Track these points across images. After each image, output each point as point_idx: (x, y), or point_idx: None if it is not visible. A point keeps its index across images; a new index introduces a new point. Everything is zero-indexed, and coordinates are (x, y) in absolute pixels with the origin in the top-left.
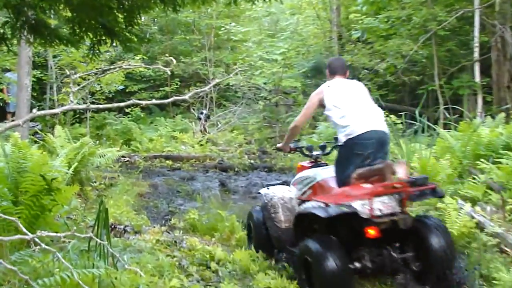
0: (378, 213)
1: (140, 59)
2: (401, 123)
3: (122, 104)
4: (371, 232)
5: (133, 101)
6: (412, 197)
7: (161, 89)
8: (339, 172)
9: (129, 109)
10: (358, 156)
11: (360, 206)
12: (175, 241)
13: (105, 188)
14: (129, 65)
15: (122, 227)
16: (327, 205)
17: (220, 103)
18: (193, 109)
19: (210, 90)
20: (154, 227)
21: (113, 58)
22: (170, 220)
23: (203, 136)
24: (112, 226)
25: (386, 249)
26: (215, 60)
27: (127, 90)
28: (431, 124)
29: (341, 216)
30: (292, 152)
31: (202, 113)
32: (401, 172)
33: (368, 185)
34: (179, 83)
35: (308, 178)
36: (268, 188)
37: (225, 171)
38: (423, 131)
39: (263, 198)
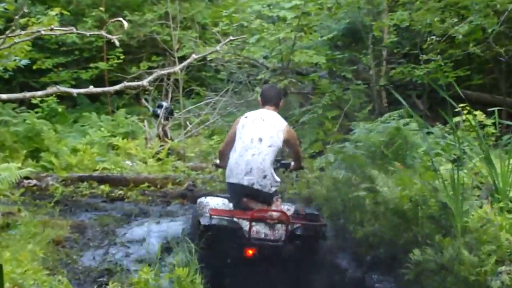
0: (260, 236)
1: (57, 15)
2: (493, 124)
3: (38, 93)
4: (249, 251)
5: (57, 87)
6: (296, 230)
7: (92, 65)
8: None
9: (38, 99)
10: (232, 199)
11: (245, 226)
12: None
13: None
14: (51, 29)
15: None
16: (211, 215)
17: (190, 90)
18: (146, 100)
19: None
20: None
21: (12, 14)
22: (107, 285)
23: (162, 145)
24: None
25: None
26: (183, 19)
27: (34, 67)
28: None
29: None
30: None
31: (160, 106)
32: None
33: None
34: (121, 56)
35: None
36: (206, 198)
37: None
38: None
39: (198, 204)
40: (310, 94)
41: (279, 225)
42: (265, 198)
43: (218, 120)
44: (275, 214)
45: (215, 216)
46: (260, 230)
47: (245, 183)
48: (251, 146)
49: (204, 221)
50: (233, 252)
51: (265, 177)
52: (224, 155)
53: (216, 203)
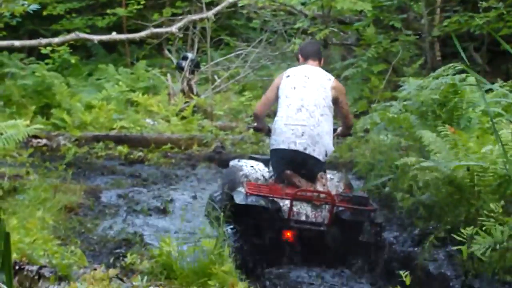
0: (301, 218)
1: None
2: None
3: (56, 39)
4: (288, 234)
5: (76, 33)
6: (341, 213)
7: (108, 11)
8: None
9: (48, 48)
10: (275, 170)
11: (284, 206)
12: None
13: (3, 196)
14: None
15: (34, 268)
16: (247, 194)
17: (219, 40)
18: (169, 50)
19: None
20: (95, 269)
21: None
22: (125, 256)
23: (187, 102)
24: (17, 267)
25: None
26: None
27: (44, 13)
28: None
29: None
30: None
31: (185, 57)
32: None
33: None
34: (142, 1)
35: None
36: (239, 161)
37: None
38: None
39: (230, 167)
40: (353, 46)
41: (322, 206)
42: (315, 168)
43: (249, 74)
44: (319, 194)
45: (251, 194)
46: (301, 211)
47: (297, 147)
48: (300, 109)
49: (238, 199)
50: (269, 234)
51: (320, 141)
52: (260, 118)
53: (251, 168)
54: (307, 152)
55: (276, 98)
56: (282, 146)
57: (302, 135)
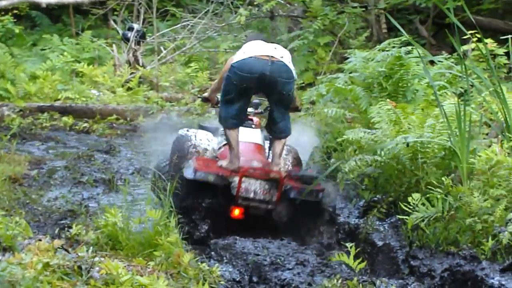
0: (249, 195)
1: None
2: (506, 54)
3: (3, 2)
4: (235, 212)
5: None
6: (289, 192)
7: None
8: (220, 110)
9: None
10: (235, 88)
11: (234, 182)
12: (80, 267)
13: None
14: None
15: None
16: (196, 169)
17: (165, 11)
18: (115, 21)
19: None
20: (40, 240)
21: None
22: (70, 227)
23: (133, 73)
24: None
25: None
26: None
27: None
28: None
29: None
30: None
31: (131, 28)
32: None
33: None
34: None
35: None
36: (188, 131)
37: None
38: None
39: (178, 137)
40: (300, 18)
41: (271, 183)
42: (289, 92)
43: (196, 45)
44: (268, 172)
45: (200, 170)
46: (249, 187)
47: (271, 54)
48: (261, 49)
49: (187, 173)
50: (217, 210)
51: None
52: (211, 99)
53: (200, 138)
54: (284, 60)
55: None
56: (252, 54)
57: (275, 48)
